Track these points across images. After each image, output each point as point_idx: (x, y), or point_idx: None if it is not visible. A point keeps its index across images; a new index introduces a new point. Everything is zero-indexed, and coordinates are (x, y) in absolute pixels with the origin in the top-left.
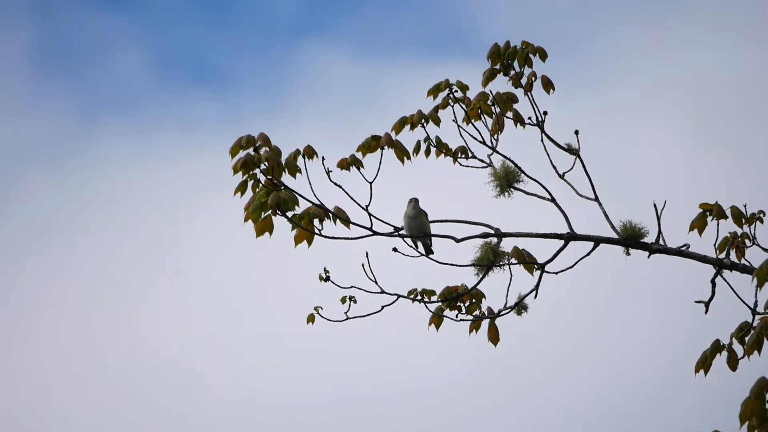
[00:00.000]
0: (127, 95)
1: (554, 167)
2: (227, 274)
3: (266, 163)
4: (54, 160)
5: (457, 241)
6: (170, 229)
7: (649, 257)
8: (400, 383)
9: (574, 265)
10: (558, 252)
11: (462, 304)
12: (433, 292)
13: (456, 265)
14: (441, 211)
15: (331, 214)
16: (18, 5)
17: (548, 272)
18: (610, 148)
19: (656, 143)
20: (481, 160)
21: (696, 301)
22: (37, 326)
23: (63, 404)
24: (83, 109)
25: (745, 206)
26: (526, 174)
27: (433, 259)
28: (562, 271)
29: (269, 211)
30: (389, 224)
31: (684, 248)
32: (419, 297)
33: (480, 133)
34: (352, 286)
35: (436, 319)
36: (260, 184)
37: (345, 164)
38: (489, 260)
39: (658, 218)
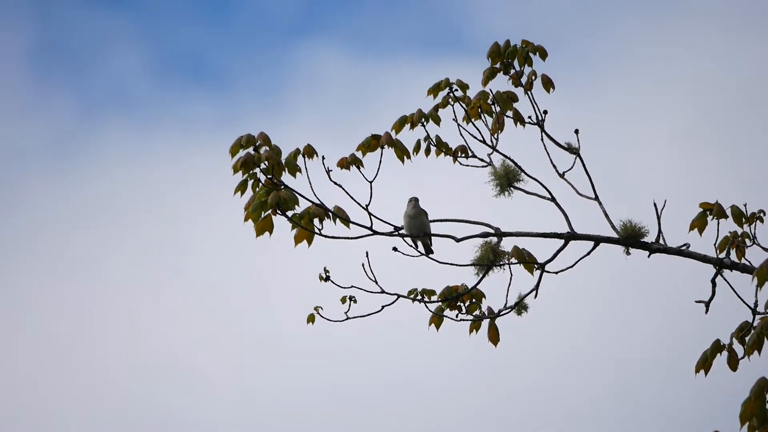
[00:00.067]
0: (126, 94)
1: (554, 166)
2: (227, 274)
3: (266, 163)
4: (53, 159)
5: (457, 240)
6: (170, 229)
7: (649, 257)
8: (400, 383)
9: (575, 264)
10: (558, 251)
11: (462, 304)
12: (433, 292)
13: (456, 265)
14: (441, 210)
15: (331, 214)
16: (17, 5)
17: (548, 272)
18: (610, 148)
19: (656, 143)
20: (482, 159)
21: (696, 301)
22: (36, 326)
23: (63, 404)
24: (82, 108)
25: (745, 206)
26: (526, 173)
27: (433, 259)
28: (562, 270)
29: (269, 211)
30: (389, 224)
31: (684, 248)
32: (419, 297)
33: (480, 132)
34: (352, 286)
35: (436, 318)
36: (260, 184)
37: (345, 163)
38: (489, 260)
39: (659, 218)
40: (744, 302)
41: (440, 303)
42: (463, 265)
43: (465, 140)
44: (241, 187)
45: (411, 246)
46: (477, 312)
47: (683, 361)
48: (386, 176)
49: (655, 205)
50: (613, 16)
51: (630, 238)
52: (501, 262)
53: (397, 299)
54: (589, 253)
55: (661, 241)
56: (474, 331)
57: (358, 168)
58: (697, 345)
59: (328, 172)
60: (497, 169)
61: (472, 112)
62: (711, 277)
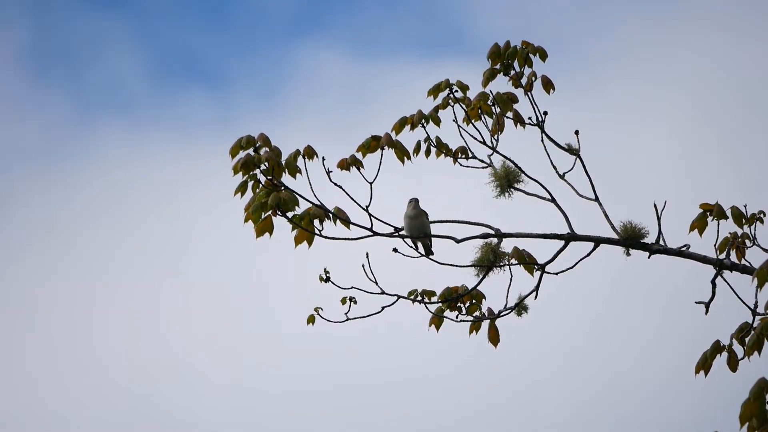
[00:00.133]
0: (123, 95)
1: (554, 167)
2: (227, 274)
3: (266, 164)
4: (51, 160)
5: (458, 241)
6: (170, 229)
7: (649, 258)
8: (400, 384)
9: (575, 265)
10: (558, 252)
11: (462, 305)
12: (433, 293)
13: (456, 266)
14: (441, 211)
15: (331, 215)
16: (13, 6)
17: (548, 273)
18: (610, 149)
19: (656, 143)
20: (482, 161)
21: (696, 302)
22: (37, 326)
23: (63, 404)
24: (79, 109)
25: (745, 206)
26: (526, 174)
27: (433, 260)
28: (563, 271)
29: (269, 212)
30: (389, 225)
31: (684, 248)
32: (419, 298)
33: (480, 133)
34: (352, 287)
35: (437, 319)
36: (260, 185)
37: (345, 164)
38: (489, 261)
39: (659, 218)
40: (744, 303)
41: (440, 304)
42: (464, 266)
43: (465, 141)
44: (242, 188)
45: (411, 247)
46: (477, 313)
47: (683, 362)
48: (386, 177)
49: (655, 206)
50: (613, 17)
51: (630, 239)
52: (501, 263)
53: (397, 300)
54: (589, 254)
55: (661, 242)
56: (474, 332)
57: (358, 169)
58: (697, 346)
59: (328, 173)
60: (497, 170)
61: (472, 113)
62: (711, 278)
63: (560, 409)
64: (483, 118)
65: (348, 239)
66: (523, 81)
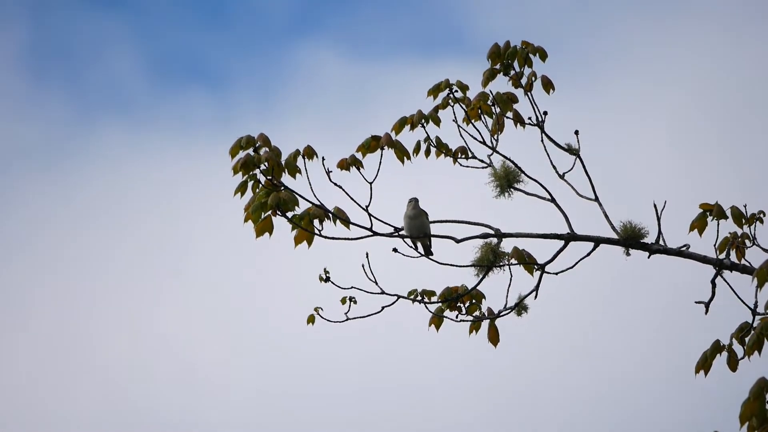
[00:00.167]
0: (123, 95)
1: (554, 167)
2: (227, 274)
3: (266, 164)
4: (51, 160)
5: (457, 241)
6: (170, 229)
7: (649, 257)
8: (400, 384)
9: (575, 265)
10: (558, 252)
11: (462, 305)
12: (433, 293)
13: (456, 266)
14: (441, 211)
15: (331, 215)
16: (12, 5)
17: (548, 273)
18: (610, 149)
19: (656, 143)
20: (481, 161)
21: (696, 302)
22: (36, 326)
23: (63, 404)
24: (79, 109)
25: (745, 206)
26: (526, 174)
27: (433, 260)
28: (563, 271)
29: (269, 212)
30: (389, 225)
31: (684, 248)
32: (419, 298)
33: (480, 133)
34: (352, 287)
35: (436, 319)
36: (260, 185)
37: (345, 164)
38: (489, 261)
39: (658, 218)
40: (744, 303)
41: (440, 304)
42: (463, 266)
43: (465, 141)
44: (241, 188)
45: (411, 247)
46: (477, 313)
47: (683, 362)
48: (386, 177)
49: (655, 206)
50: (613, 17)
51: (630, 238)
52: (501, 263)
53: (397, 300)
54: (589, 254)
55: (661, 242)
56: (474, 331)
57: (358, 169)
58: (696, 345)
59: (328, 173)
60: (497, 170)
61: (472, 113)
62: (711, 278)
63: (560, 409)
64: (483, 118)
65: (348, 239)
66: (523, 81)
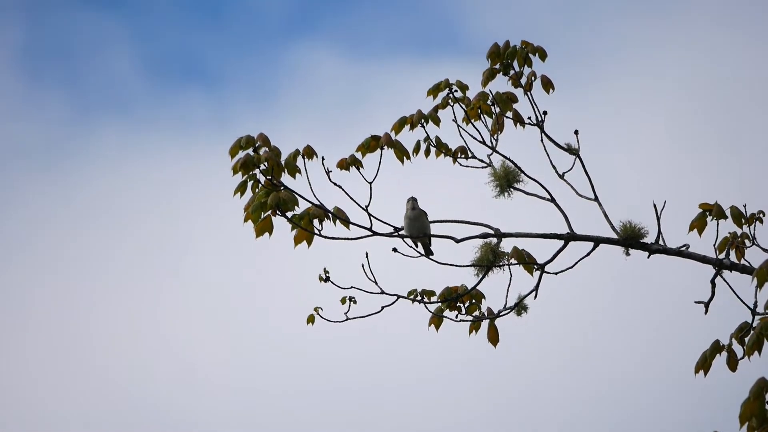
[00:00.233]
0: (120, 95)
1: (554, 167)
2: (227, 274)
3: (266, 164)
4: (50, 160)
5: (457, 241)
6: (170, 229)
7: (648, 257)
8: (400, 384)
9: (574, 265)
10: (558, 252)
11: (462, 305)
12: (432, 293)
13: (456, 266)
14: (441, 211)
15: (330, 215)
16: (9, 5)
17: (548, 272)
18: (609, 148)
19: (656, 143)
20: (481, 160)
21: (696, 302)
22: (36, 326)
23: (63, 404)
24: (76, 109)
25: (744, 206)
26: (525, 174)
27: (432, 260)
28: (562, 271)
29: (269, 212)
30: (389, 224)
31: (684, 248)
32: (419, 297)
33: (480, 133)
34: (351, 287)
35: (436, 319)
36: (260, 185)
37: (344, 164)
38: (489, 260)
39: (658, 218)
40: (743, 303)
41: (440, 304)
42: (463, 266)
43: (465, 141)
44: (241, 188)
45: (411, 247)
46: (477, 313)
47: (683, 362)
48: (386, 177)
49: (654, 205)
50: (609, 15)
51: (630, 238)
52: (501, 263)
53: (396, 300)
54: (588, 254)
55: (661, 242)
56: (474, 331)
57: (358, 169)
58: (696, 345)
59: (327, 173)
60: (497, 170)
61: (472, 113)
62: (710, 278)
63: (560, 409)
64: (482, 118)
65: (347, 239)
66: (523, 81)
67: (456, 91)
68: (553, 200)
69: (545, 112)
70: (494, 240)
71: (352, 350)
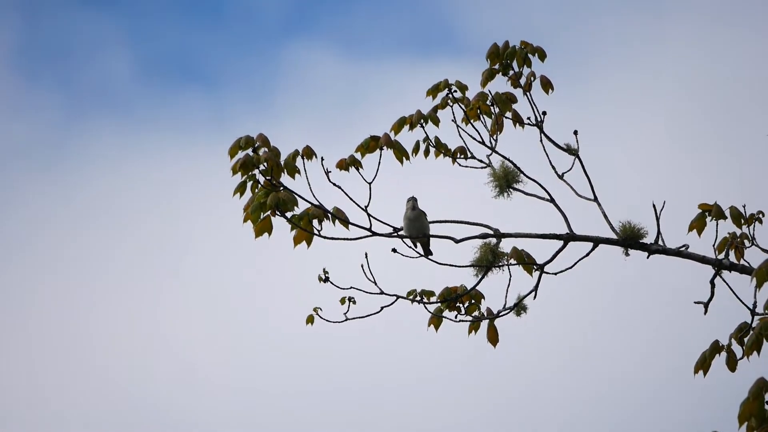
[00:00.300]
0: (117, 96)
1: (553, 167)
2: (227, 274)
3: (265, 164)
4: (47, 160)
5: (457, 241)
6: (170, 229)
7: (648, 258)
8: (400, 384)
9: (574, 265)
10: (557, 252)
11: (461, 305)
12: (432, 293)
13: (455, 266)
14: (440, 211)
15: (330, 215)
16: (4, 5)
17: (547, 273)
18: (609, 148)
19: (655, 143)
20: (480, 161)
21: (695, 302)
22: (36, 326)
23: (63, 404)
24: (73, 109)
25: (744, 207)
26: (525, 174)
27: (432, 260)
28: (562, 271)
29: (268, 212)
30: (388, 225)
31: (683, 249)
32: (418, 298)
33: (479, 134)
34: (351, 287)
35: (436, 319)
36: (259, 185)
37: (344, 165)
38: (488, 261)
39: (657, 219)
40: (743, 303)
41: (439, 304)
42: (463, 266)
43: (464, 141)
44: (241, 189)
45: (410, 247)
46: (476, 313)
47: (682, 362)
48: (385, 177)
49: (654, 206)
50: (611, 15)
51: (629, 239)
52: (500, 263)
53: (396, 300)
54: (588, 254)
55: (660, 242)
56: (473, 331)
57: (357, 169)
58: (695, 346)
59: (327, 173)
60: (496, 170)
61: (471, 114)
62: (710, 278)
63: (559, 409)
64: (482, 118)
65: (347, 239)
66: (522, 81)
67: (455, 91)
68: (552, 200)
69: (544, 113)
70: (494, 240)
71: (351, 350)
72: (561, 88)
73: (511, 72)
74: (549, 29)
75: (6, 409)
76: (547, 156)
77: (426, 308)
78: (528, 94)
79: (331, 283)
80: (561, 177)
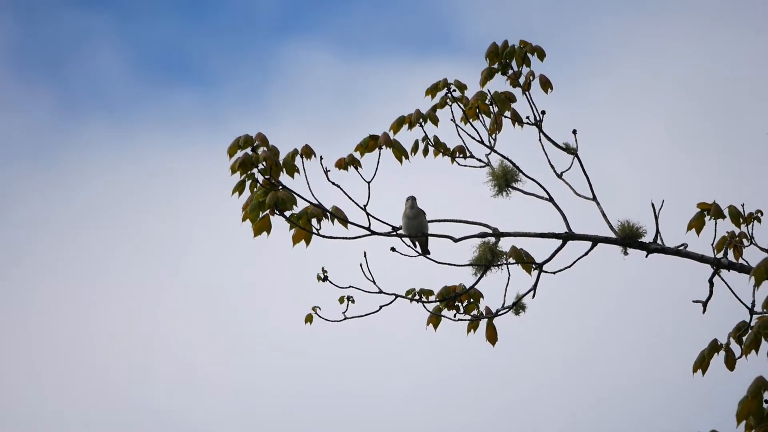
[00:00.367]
0: (111, 95)
1: (552, 167)
2: (226, 273)
3: (264, 163)
4: (41, 160)
5: (455, 240)
6: (169, 229)
7: (647, 257)
8: (399, 383)
9: (572, 264)
10: (556, 251)
11: (460, 304)
12: (431, 292)
13: (454, 265)
14: (439, 210)
15: (329, 214)
16: None
17: (546, 272)
18: (608, 148)
19: (655, 143)
20: (479, 160)
21: (694, 301)
22: (36, 326)
23: (63, 404)
24: (65, 109)
25: (742, 206)
26: (524, 173)
27: (431, 259)
28: (560, 270)
29: (267, 211)
30: (387, 224)
31: (682, 248)
32: (417, 297)
33: (478, 133)
34: (350, 286)
35: (434, 318)
36: (258, 184)
37: (343, 164)
38: (487, 260)
39: (656, 218)
40: (741, 302)
41: (438, 303)
42: (461, 265)
43: (463, 140)
44: (239, 188)
45: (409, 246)
46: (475, 312)
47: (681, 361)
48: (384, 176)
49: (652, 205)
50: (610, 14)
51: (628, 238)
52: (499, 262)
53: (395, 299)
54: (586, 253)
55: (659, 241)
56: (472, 330)
57: (356, 168)
58: (694, 345)
59: (326, 172)
60: (495, 169)
61: (470, 113)
62: (708, 277)
63: (558, 408)
64: (481, 118)
65: (346, 238)
66: (521, 80)
67: (454, 90)
68: (551, 199)
69: (543, 112)
70: (492, 239)
71: (350, 349)
72: (560, 88)
73: (510, 71)
74: (549, 29)
75: (6, 409)
76: (546, 155)
77: (425, 307)
78: (527, 93)
79: (330, 282)
80: (560, 176)
